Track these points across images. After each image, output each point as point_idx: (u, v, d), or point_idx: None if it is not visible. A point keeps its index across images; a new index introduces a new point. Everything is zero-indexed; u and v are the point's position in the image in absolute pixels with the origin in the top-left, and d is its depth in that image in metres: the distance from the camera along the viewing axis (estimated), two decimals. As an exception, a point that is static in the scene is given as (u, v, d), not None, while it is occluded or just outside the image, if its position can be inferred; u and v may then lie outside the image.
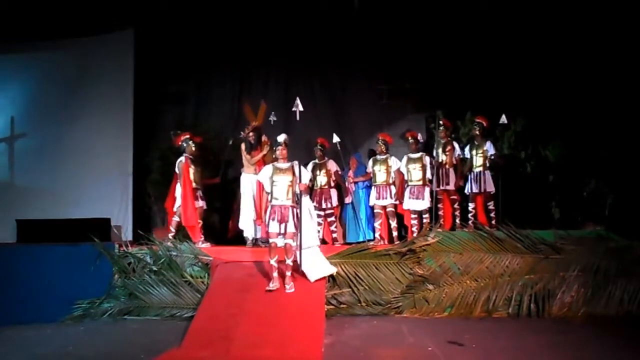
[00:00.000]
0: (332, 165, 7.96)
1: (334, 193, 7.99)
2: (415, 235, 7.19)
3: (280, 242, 5.80)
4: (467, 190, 7.62)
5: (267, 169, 5.99)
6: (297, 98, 6.88)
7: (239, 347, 4.78)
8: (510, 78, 8.20)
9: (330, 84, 9.58)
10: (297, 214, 5.81)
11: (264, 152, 7.48)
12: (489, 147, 7.54)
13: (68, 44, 8.97)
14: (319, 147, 7.93)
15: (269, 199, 5.89)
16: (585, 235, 6.70)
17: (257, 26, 9.10)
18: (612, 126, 7.46)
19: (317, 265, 6.00)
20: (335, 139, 7.87)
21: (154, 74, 9.21)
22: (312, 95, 9.49)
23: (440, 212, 7.71)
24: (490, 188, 7.44)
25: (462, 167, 7.79)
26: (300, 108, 6.62)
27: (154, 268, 6.61)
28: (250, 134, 7.50)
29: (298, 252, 5.85)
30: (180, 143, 7.68)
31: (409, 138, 7.76)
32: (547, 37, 8.13)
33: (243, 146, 7.55)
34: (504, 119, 7.58)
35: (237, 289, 5.90)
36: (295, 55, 9.35)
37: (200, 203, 7.58)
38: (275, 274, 5.79)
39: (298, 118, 6.72)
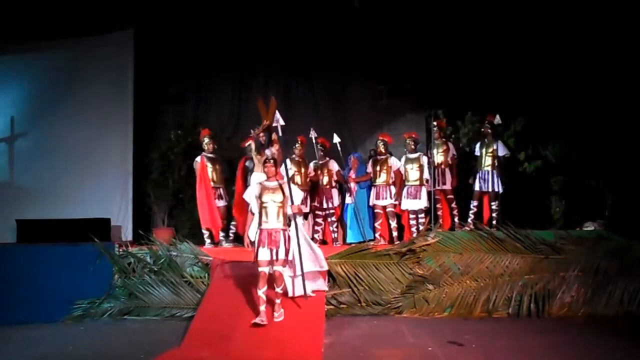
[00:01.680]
0: (334, 165, 7.96)
1: (335, 193, 7.99)
2: (412, 235, 7.20)
3: (269, 270, 5.23)
4: (476, 188, 7.59)
5: (254, 187, 5.44)
6: (277, 112, 6.12)
7: (239, 347, 4.78)
8: (510, 78, 8.18)
9: (330, 83, 9.58)
10: (289, 237, 5.28)
11: (274, 150, 7.05)
12: (500, 148, 7.52)
13: (68, 44, 8.99)
14: (320, 147, 7.92)
15: (258, 222, 5.27)
16: (585, 235, 6.70)
17: (257, 26, 9.10)
18: (612, 126, 7.45)
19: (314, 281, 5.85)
20: (336, 139, 7.87)
21: (154, 74, 9.22)
22: (312, 95, 9.51)
23: (439, 212, 7.71)
24: (498, 188, 7.43)
25: (458, 167, 7.81)
26: (282, 122, 5.90)
27: (154, 268, 6.62)
28: (261, 133, 7.21)
29: (296, 280, 5.54)
30: (200, 140, 7.69)
31: (407, 139, 7.76)
32: (547, 37, 8.12)
33: (253, 145, 7.31)
34: (498, 120, 7.53)
35: (237, 289, 5.90)
36: (295, 55, 9.35)
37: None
38: (262, 307, 5.16)
39: (281, 133, 6.03)
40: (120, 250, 6.89)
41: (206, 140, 7.63)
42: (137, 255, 6.78)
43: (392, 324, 5.76)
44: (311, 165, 8.01)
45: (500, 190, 7.42)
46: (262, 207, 5.24)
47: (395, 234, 7.63)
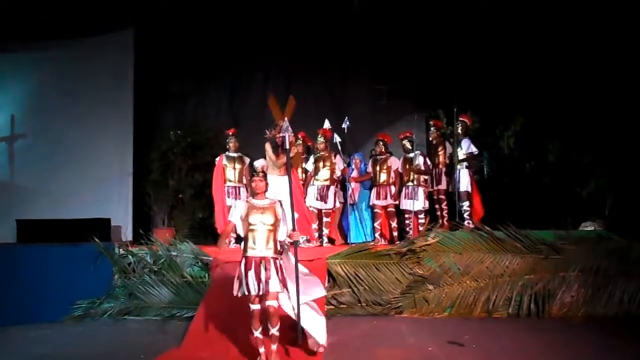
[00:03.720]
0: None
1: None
2: (409, 235, 7.23)
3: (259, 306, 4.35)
4: (452, 189, 7.60)
5: (240, 206, 4.48)
6: (286, 121, 5.35)
7: (239, 347, 4.78)
8: (510, 78, 8.20)
9: (330, 84, 9.60)
10: (281, 267, 4.35)
11: (292, 154, 6.55)
12: (467, 146, 7.51)
13: (68, 43, 8.98)
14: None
15: (242, 247, 4.43)
16: (585, 235, 6.70)
17: (257, 26, 9.12)
18: (612, 126, 7.45)
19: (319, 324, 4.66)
20: (337, 138, 7.88)
21: (154, 74, 9.22)
22: (313, 95, 9.51)
23: (439, 213, 7.71)
24: (465, 187, 7.41)
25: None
26: (290, 132, 5.18)
27: (154, 268, 6.62)
28: (277, 134, 6.60)
29: (297, 318, 4.51)
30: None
31: (403, 138, 7.77)
32: (547, 37, 8.13)
33: (268, 147, 6.93)
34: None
35: (237, 289, 5.89)
36: (295, 55, 9.37)
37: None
38: (262, 349, 4.41)
39: (288, 146, 5.15)
40: (120, 250, 6.88)
41: (229, 139, 7.56)
42: (137, 255, 6.78)
43: (392, 324, 5.75)
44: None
45: (468, 189, 7.40)
46: (248, 229, 4.35)
47: (395, 234, 7.63)
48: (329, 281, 6.24)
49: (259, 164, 5.80)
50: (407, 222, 7.61)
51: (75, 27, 8.70)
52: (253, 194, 4.54)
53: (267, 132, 6.83)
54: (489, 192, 7.85)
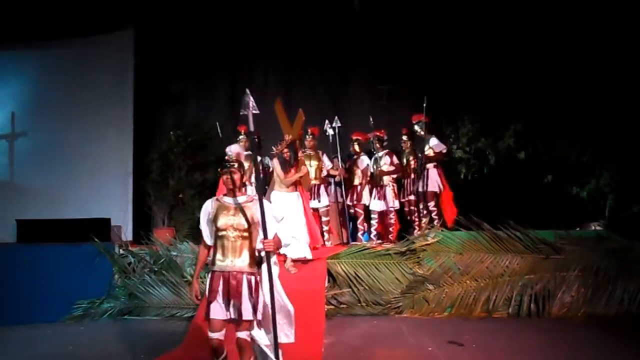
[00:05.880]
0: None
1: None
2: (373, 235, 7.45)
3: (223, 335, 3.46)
4: (420, 188, 7.54)
5: (208, 205, 3.55)
6: (251, 100, 4.35)
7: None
8: (510, 77, 8.18)
9: (330, 83, 9.59)
10: (257, 285, 3.44)
11: (301, 173, 6.47)
12: (435, 144, 7.46)
13: (68, 43, 9.00)
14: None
15: (211, 259, 3.51)
16: (585, 235, 6.70)
17: (257, 26, 9.12)
18: (613, 126, 7.44)
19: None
20: (329, 131, 7.93)
21: (154, 74, 9.21)
22: (313, 95, 9.51)
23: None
24: (433, 187, 7.34)
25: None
26: (255, 111, 4.24)
27: (154, 268, 6.62)
28: (285, 149, 6.41)
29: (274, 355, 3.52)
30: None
31: (372, 137, 7.76)
32: (547, 36, 8.12)
33: (276, 163, 6.43)
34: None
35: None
36: (295, 55, 9.36)
37: None
38: None
39: (252, 127, 4.18)
40: (120, 250, 6.89)
41: (240, 137, 7.51)
42: (137, 255, 6.78)
43: (392, 324, 5.76)
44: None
45: (437, 190, 7.37)
46: (217, 236, 3.47)
47: (344, 234, 7.65)
48: (329, 281, 6.25)
49: (231, 150, 5.56)
50: (372, 222, 7.65)
51: (75, 27, 8.71)
52: (227, 190, 3.55)
53: (274, 148, 6.60)
54: (489, 192, 7.84)
